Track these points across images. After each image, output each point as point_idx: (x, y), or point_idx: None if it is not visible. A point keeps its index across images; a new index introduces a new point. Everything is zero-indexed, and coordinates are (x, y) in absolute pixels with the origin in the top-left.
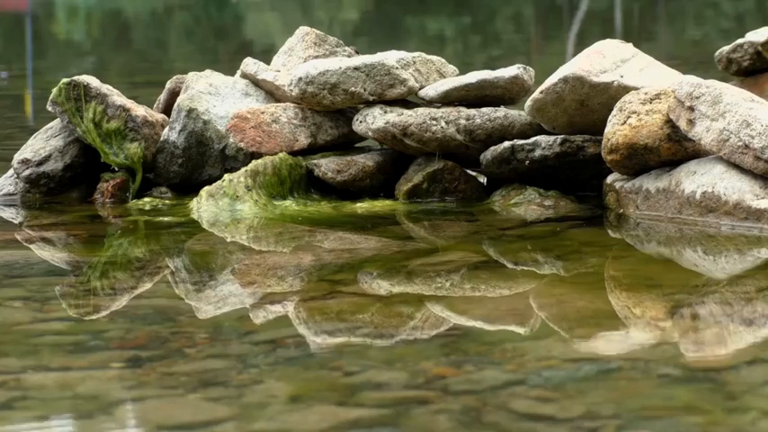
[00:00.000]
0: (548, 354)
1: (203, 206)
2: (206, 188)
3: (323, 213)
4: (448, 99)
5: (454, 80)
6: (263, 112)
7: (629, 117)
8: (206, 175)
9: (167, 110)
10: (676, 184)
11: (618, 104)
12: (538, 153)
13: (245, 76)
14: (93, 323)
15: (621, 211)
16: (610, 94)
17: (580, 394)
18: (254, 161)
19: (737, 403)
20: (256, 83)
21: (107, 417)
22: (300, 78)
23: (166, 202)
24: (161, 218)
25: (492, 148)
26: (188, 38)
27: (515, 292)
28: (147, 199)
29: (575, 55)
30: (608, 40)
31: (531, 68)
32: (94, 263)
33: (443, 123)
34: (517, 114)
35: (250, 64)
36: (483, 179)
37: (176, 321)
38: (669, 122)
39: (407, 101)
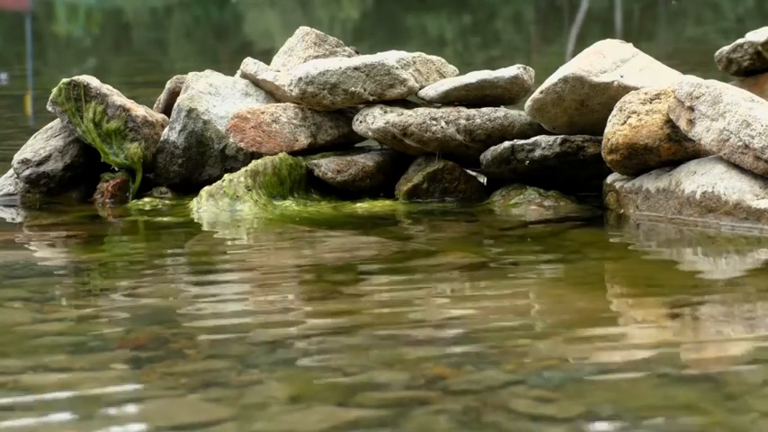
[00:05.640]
0: (548, 354)
1: (203, 206)
2: (206, 188)
3: (323, 213)
4: (448, 99)
5: (454, 80)
6: (263, 112)
7: (629, 117)
8: (206, 175)
9: (167, 110)
10: (676, 184)
11: (618, 104)
12: (538, 153)
13: (245, 76)
14: (93, 323)
15: (621, 211)
16: (610, 94)
17: (580, 394)
18: (254, 161)
19: (737, 403)
20: (256, 83)
21: (107, 417)
22: (300, 78)
23: (166, 202)
24: (161, 218)
25: (492, 148)
26: (188, 38)
27: (515, 292)
28: (147, 199)
29: (575, 55)
30: (608, 40)
31: (531, 68)
32: (94, 263)
33: (443, 123)
34: (517, 114)
35: (250, 64)
36: (483, 179)
37: (176, 322)
38: (669, 122)
39: (407, 101)
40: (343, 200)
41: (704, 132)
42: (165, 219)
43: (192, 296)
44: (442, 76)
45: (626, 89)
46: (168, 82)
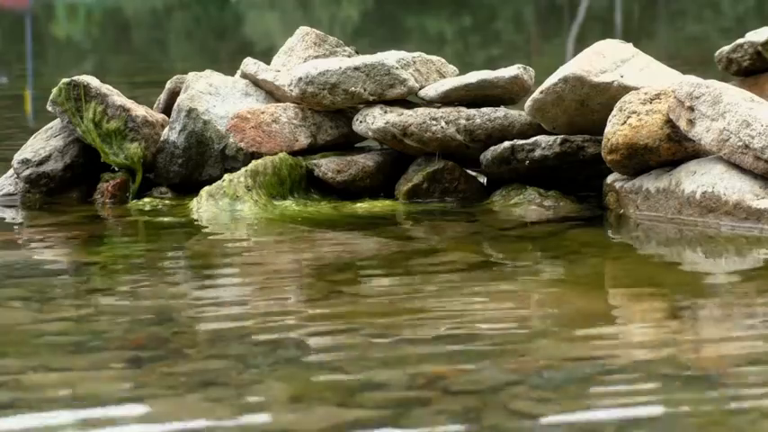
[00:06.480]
0: (548, 354)
1: (203, 206)
2: (206, 188)
3: (323, 213)
4: (448, 99)
5: (454, 80)
6: (263, 112)
7: (629, 117)
8: (206, 175)
9: (167, 110)
10: (676, 184)
11: (618, 104)
12: (538, 153)
13: (245, 76)
14: (93, 323)
15: (621, 211)
16: (610, 94)
17: (580, 394)
18: (254, 161)
19: (737, 403)
20: (256, 83)
21: (107, 417)
22: (300, 78)
23: (166, 202)
24: (161, 218)
25: (492, 148)
26: (188, 38)
27: (515, 292)
28: (147, 199)
29: (575, 55)
30: (608, 40)
31: (531, 68)
32: (94, 263)
33: (443, 123)
34: (517, 114)
35: (250, 64)
36: (483, 179)
37: (176, 321)
38: (669, 122)
39: (407, 101)
40: (343, 200)
41: (704, 132)
42: (165, 219)
43: (192, 296)
44: (442, 76)
45: (626, 89)
46: (168, 82)
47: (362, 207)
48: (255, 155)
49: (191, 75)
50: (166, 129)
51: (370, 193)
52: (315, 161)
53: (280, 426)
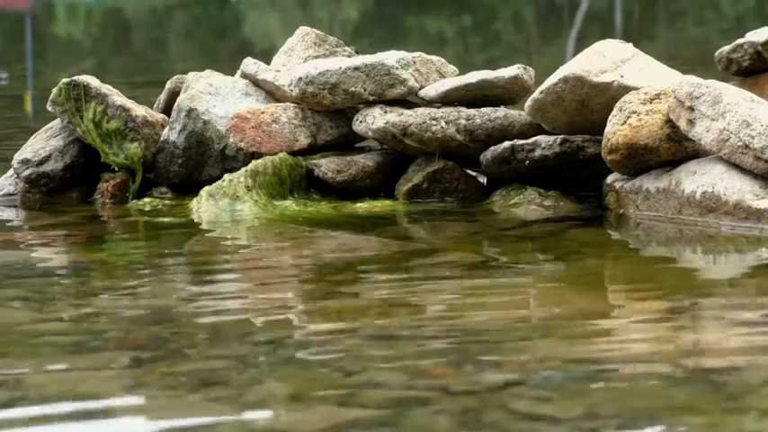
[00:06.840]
0: (548, 354)
1: (203, 206)
2: (206, 188)
3: (323, 213)
4: (448, 99)
5: (454, 80)
6: (263, 112)
7: (629, 117)
8: (206, 175)
9: (167, 110)
10: (676, 184)
11: (618, 104)
12: (538, 153)
13: (245, 76)
14: (93, 323)
15: (621, 211)
16: (610, 94)
17: (580, 394)
18: (254, 161)
19: (737, 404)
20: (256, 83)
21: (107, 417)
22: (300, 78)
23: (166, 202)
24: (161, 218)
25: (492, 148)
26: (188, 38)
27: (515, 292)
28: (147, 199)
29: (575, 55)
30: (608, 40)
31: (531, 68)
32: (94, 263)
33: (443, 123)
34: (517, 114)
35: (250, 64)
36: (483, 179)
37: (176, 321)
38: (669, 122)
39: (407, 101)
40: (343, 200)
41: (704, 132)
42: (165, 219)
43: (192, 296)
44: (442, 76)
45: (626, 89)
46: (168, 82)
47: (362, 207)
48: (255, 155)
49: (191, 75)
50: (166, 129)
51: (370, 193)
52: (315, 161)
53: (280, 426)
